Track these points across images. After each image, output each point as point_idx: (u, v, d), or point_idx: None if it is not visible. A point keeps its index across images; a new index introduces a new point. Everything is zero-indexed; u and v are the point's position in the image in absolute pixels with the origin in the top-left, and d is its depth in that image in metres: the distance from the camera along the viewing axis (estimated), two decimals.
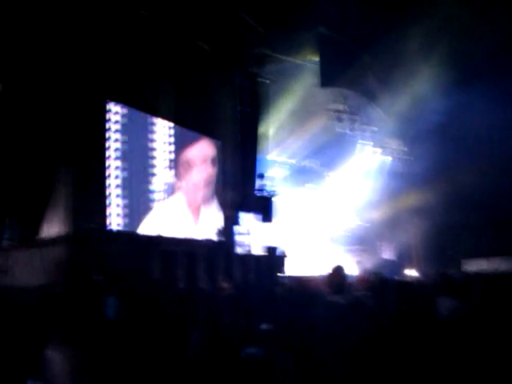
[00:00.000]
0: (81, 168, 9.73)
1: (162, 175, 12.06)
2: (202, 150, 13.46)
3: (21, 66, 9.49)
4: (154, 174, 11.87)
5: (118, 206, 10.61)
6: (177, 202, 12.48)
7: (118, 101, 10.99)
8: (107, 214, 10.27)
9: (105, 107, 10.70)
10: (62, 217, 9.57)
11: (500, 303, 3.46)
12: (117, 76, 10.67)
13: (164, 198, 12.05)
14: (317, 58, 14.65)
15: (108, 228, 10.23)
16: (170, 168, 12.45)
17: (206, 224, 13.23)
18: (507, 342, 3.16)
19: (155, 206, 11.72)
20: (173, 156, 12.55)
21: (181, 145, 12.81)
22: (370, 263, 20.10)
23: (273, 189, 16.86)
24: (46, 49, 9.46)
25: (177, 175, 12.62)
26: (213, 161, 13.74)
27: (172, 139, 12.52)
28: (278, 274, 13.76)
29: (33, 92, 9.60)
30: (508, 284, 3.67)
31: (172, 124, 12.54)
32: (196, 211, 13.05)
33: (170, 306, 4.08)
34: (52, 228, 9.73)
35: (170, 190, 12.35)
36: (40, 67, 9.48)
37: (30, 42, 9.35)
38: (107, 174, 10.52)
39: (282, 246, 16.91)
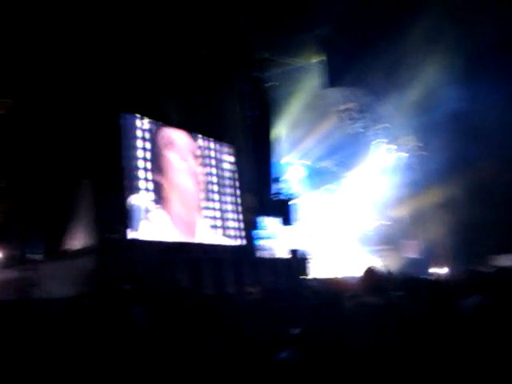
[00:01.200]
0: (100, 180, 9.83)
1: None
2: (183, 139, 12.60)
3: (37, 82, 9.69)
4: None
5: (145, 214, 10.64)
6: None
7: (131, 112, 11.08)
8: (132, 223, 10.30)
9: (119, 119, 10.78)
10: (85, 228, 9.70)
11: None
12: (128, 88, 10.77)
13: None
14: (321, 59, 14.61)
15: (132, 237, 10.29)
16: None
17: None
18: None
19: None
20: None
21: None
22: (395, 263, 19.83)
23: (290, 192, 16.80)
24: (59, 66, 9.64)
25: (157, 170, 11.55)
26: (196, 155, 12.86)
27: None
28: (303, 277, 13.70)
29: (47, 108, 9.78)
30: None
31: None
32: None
33: (195, 313, 4.09)
34: (75, 240, 9.88)
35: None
36: (55, 84, 9.66)
37: (43, 58, 9.54)
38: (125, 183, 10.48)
39: (305, 249, 16.83)
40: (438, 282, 4.44)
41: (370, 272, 3.66)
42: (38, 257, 10.07)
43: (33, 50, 9.48)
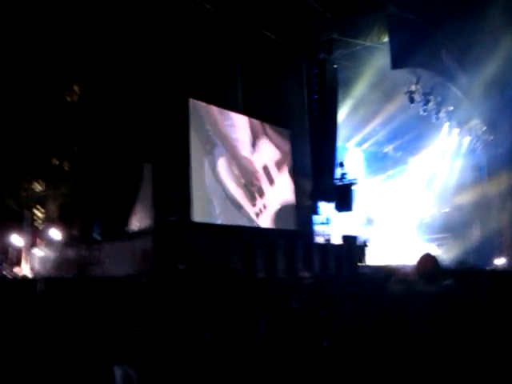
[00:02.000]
0: (165, 163, 10.10)
1: None
2: None
3: (105, 69, 10.02)
4: None
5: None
6: None
7: (195, 97, 11.27)
8: (192, 205, 10.55)
9: (187, 104, 11.01)
10: (144, 210, 10.03)
11: None
12: (196, 74, 10.93)
13: None
14: (387, 40, 14.08)
15: (191, 219, 10.53)
16: None
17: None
18: None
19: None
20: None
21: None
22: (454, 251, 19.17)
23: (353, 177, 16.51)
24: (127, 52, 9.91)
25: None
26: None
27: None
28: (359, 264, 13.53)
29: (116, 93, 10.10)
30: None
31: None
32: None
33: (247, 294, 4.15)
34: (139, 221, 10.25)
35: None
36: (123, 70, 9.95)
37: (111, 44, 9.84)
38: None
39: (363, 235, 16.58)
40: (499, 272, 4.24)
41: (425, 259, 3.56)
42: (98, 237, 10.55)
43: (101, 37, 9.80)
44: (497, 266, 14.47)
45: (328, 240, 14.80)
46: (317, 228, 15.24)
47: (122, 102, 10.12)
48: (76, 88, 10.47)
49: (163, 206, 9.86)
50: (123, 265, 8.81)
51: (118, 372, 2.63)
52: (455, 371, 3.12)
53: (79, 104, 10.42)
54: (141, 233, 9.57)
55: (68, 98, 10.45)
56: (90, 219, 10.66)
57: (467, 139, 21.89)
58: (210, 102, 11.66)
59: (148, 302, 3.14)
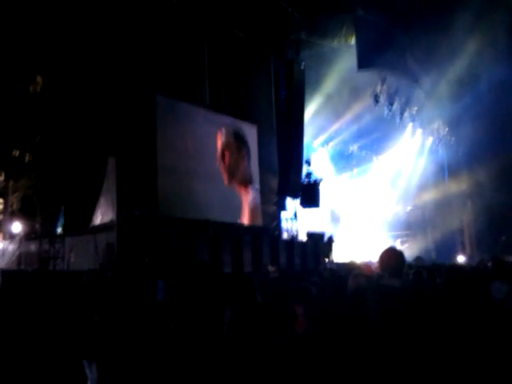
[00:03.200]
0: (131, 157, 9.96)
1: None
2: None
3: (69, 60, 9.80)
4: None
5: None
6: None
7: (162, 92, 11.15)
8: (158, 199, 10.44)
9: (154, 98, 10.88)
10: (112, 204, 9.87)
11: None
12: (160, 67, 10.81)
13: None
14: (354, 41, 14.32)
15: (157, 214, 10.43)
16: None
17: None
18: None
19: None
20: None
21: None
22: (416, 248, 19.66)
23: (319, 174, 16.69)
24: (92, 43, 9.71)
25: None
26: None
27: None
28: (325, 260, 13.70)
29: (81, 85, 9.90)
30: None
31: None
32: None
33: (211, 288, 4.15)
34: (103, 215, 10.08)
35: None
36: (88, 61, 9.75)
37: (76, 35, 9.62)
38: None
39: (329, 232, 16.80)
40: (457, 267, 4.38)
41: (389, 254, 3.63)
42: (61, 231, 10.33)
43: (66, 29, 9.57)
44: (457, 262, 14.90)
45: (294, 236, 14.94)
46: (283, 224, 15.36)
47: (87, 93, 9.92)
48: (39, 79, 10.21)
49: (128, 199, 9.72)
50: (87, 259, 8.66)
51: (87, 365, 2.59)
52: (419, 363, 3.21)
53: (42, 95, 10.16)
54: (105, 227, 9.42)
55: (31, 89, 10.18)
56: (52, 212, 10.40)
57: (430, 140, 22.49)
58: (177, 96, 11.55)
59: (110, 295, 3.09)
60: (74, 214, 10.37)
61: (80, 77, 9.88)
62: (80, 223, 10.06)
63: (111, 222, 9.37)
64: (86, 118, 9.95)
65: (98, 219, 10.11)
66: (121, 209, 9.51)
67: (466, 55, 15.88)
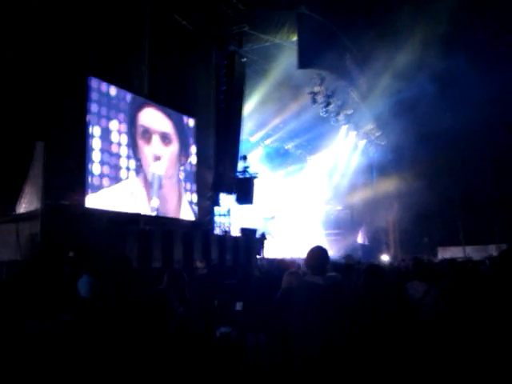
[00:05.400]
0: (59, 143, 9.50)
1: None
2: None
3: None
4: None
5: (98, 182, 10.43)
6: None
7: (97, 76, 10.73)
8: (86, 190, 10.07)
9: (86, 82, 10.44)
10: (37, 192, 9.39)
11: (468, 286, 3.54)
12: (95, 51, 10.40)
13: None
14: (296, 39, 14.46)
15: (84, 205, 10.06)
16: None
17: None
18: (477, 320, 3.28)
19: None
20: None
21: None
22: (344, 246, 20.32)
23: (254, 171, 16.78)
24: (24, 22, 9.16)
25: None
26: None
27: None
28: (257, 256, 13.83)
29: (7, 63, 9.32)
30: (474, 271, 3.77)
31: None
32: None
33: (138, 285, 4.05)
34: (27, 203, 9.56)
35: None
36: (16, 39, 9.18)
37: (7, 13, 9.04)
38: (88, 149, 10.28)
39: (262, 229, 16.96)
40: (375, 265, 4.57)
41: (314, 252, 3.71)
42: None
43: None
44: (379, 260, 15.55)
45: (227, 232, 14.95)
46: (217, 219, 15.33)
47: (13, 72, 9.35)
48: None
49: (55, 188, 9.27)
50: (8, 249, 8.20)
51: None
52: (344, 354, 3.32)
53: None
54: (29, 216, 8.94)
55: None
56: None
57: (362, 142, 23.29)
58: (112, 81, 11.14)
59: (34, 288, 2.91)
60: None
61: (5, 54, 9.29)
62: (1, 211, 9.49)
63: (35, 211, 8.91)
64: (12, 99, 9.38)
65: (22, 207, 9.58)
66: (47, 197, 9.07)
67: (397, 61, 16.57)
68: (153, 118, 12.41)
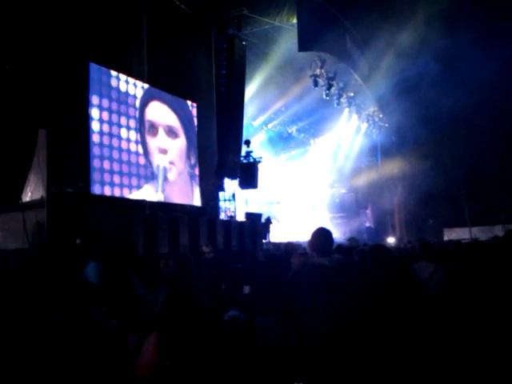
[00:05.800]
0: (62, 130, 9.48)
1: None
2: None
3: None
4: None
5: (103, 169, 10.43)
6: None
7: (96, 62, 10.65)
8: (91, 177, 10.06)
9: (87, 68, 10.38)
10: (42, 180, 9.40)
11: (477, 266, 3.54)
12: (93, 37, 10.31)
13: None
14: (296, 21, 14.26)
15: (90, 191, 10.07)
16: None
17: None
18: (481, 301, 3.29)
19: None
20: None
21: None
22: (350, 229, 20.34)
23: (258, 155, 16.74)
24: (23, 9, 9.07)
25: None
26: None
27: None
28: (263, 241, 13.86)
29: (8, 51, 9.26)
30: (481, 251, 3.76)
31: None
32: None
33: (146, 269, 4.08)
34: (32, 192, 9.58)
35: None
36: (16, 26, 9.11)
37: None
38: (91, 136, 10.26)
39: (266, 213, 16.96)
40: (382, 247, 4.57)
41: (318, 234, 3.72)
42: None
43: None
44: (386, 242, 15.57)
45: (232, 217, 14.97)
46: (221, 204, 15.34)
47: (14, 60, 9.30)
48: None
49: (59, 175, 9.28)
50: (15, 238, 8.24)
51: None
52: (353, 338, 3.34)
53: None
54: (34, 204, 8.97)
55: None
56: None
57: (365, 125, 23.15)
58: (112, 67, 11.06)
59: (41, 276, 2.92)
60: (1, 189, 9.77)
61: (6, 42, 9.22)
62: (8, 200, 9.51)
63: (41, 199, 8.94)
64: (14, 87, 9.34)
65: (28, 196, 9.61)
66: (51, 185, 9.09)
67: (398, 43, 16.40)
68: (159, 109, 12.39)
